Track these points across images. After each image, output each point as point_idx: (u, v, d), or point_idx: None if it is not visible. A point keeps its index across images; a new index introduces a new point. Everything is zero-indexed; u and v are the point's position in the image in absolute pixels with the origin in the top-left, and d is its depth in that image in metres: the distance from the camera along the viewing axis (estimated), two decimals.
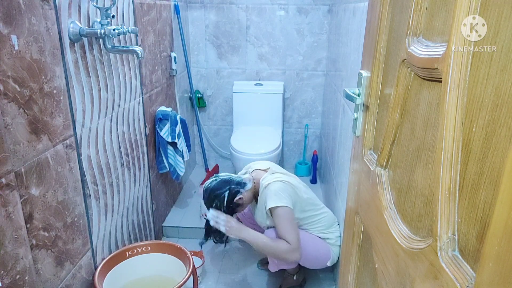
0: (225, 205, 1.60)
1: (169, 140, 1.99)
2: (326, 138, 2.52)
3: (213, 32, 2.72)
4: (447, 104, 0.52)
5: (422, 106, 0.64)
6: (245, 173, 1.79)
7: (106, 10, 1.28)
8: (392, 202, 0.76)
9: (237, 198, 1.61)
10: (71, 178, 1.24)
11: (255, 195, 1.71)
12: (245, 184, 1.65)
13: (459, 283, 0.47)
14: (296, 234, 1.54)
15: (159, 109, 2.06)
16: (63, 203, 1.20)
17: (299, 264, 1.69)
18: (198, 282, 1.79)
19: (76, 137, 1.26)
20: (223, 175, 1.69)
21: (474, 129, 0.48)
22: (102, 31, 1.24)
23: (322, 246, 1.67)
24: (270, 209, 1.55)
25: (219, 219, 1.58)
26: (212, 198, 1.61)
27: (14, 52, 0.94)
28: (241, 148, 2.32)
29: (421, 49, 0.63)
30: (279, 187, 1.56)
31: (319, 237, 1.69)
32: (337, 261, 1.71)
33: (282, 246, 1.51)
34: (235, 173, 2.08)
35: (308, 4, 2.60)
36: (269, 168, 1.73)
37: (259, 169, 1.74)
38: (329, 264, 1.68)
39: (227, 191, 1.60)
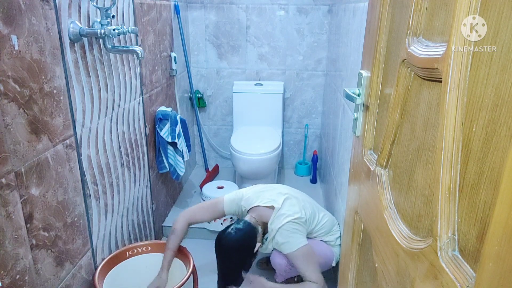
0: (247, 257, 1.56)
1: (169, 140, 1.99)
2: (326, 138, 2.53)
3: (213, 32, 2.72)
4: (447, 104, 0.52)
5: (422, 106, 0.64)
6: (237, 205, 1.70)
7: (106, 10, 1.28)
8: (392, 202, 0.76)
9: (257, 248, 1.57)
10: (71, 178, 1.24)
11: (264, 233, 1.65)
12: (255, 229, 1.57)
13: (459, 283, 0.47)
14: (318, 269, 1.53)
15: (159, 109, 2.06)
16: (63, 203, 1.20)
17: None
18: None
19: (76, 137, 1.26)
20: (235, 226, 1.56)
21: (474, 129, 0.48)
22: (102, 31, 1.24)
23: (326, 249, 1.67)
24: (287, 254, 1.54)
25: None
26: (231, 255, 1.54)
27: (14, 52, 0.94)
28: (241, 148, 2.32)
29: (421, 49, 0.63)
30: (291, 229, 1.53)
31: (321, 240, 1.69)
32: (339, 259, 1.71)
33: None
34: (235, 174, 2.05)
35: (308, 4, 2.60)
36: (272, 206, 1.60)
37: (260, 206, 1.62)
38: (334, 264, 1.69)
39: (246, 245, 1.54)
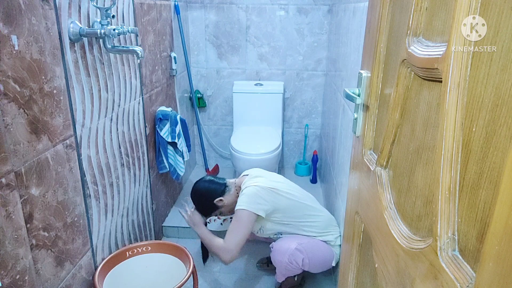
0: (204, 203, 1.68)
1: (169, 140, 1.99)
2: (326, 138, 2.53)
3: (213, 32, 2.72)
4: (447, 104, 0.52)
5: (422, 106, 0.64)
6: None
7: (106, 10, 1.28)
8: (392, 202, 0.76)
9: (217, 199, 1.66)
10: (71, 178, 1.24)
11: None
12: (226, 187, 1.69)
13: (459, 283, 0.47)
14: (238, 238, 1.53)
15: (159, 109, 2.06)
16: (63, 203, 1.20)
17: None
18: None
19: (76, 137, 1.26)
20: (212, 177, 1.75)
21: (474, 129, 0.48)
22: (102, 31, 1.24)
23: (326, 249, 1.67)
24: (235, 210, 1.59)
25: (186, 212, 1.71)
26: (193, 195, 1.71)
27: (14, 52, 0.94)
28: (241, 148, 2.32)
29: (421, 49, 0.63)
30: (250, 191, 1.58)
31: (321, 240, 1.69)
32: (339, 260, 1.71)
33: (216, 243, 1.57)
34: (235, 173, 2.07)
35: (308, 4, 2.60)
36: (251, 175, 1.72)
37: (245, 175, 1.75)
38: (333, 264, 1.69)
39: (207, 191, 1.67)
